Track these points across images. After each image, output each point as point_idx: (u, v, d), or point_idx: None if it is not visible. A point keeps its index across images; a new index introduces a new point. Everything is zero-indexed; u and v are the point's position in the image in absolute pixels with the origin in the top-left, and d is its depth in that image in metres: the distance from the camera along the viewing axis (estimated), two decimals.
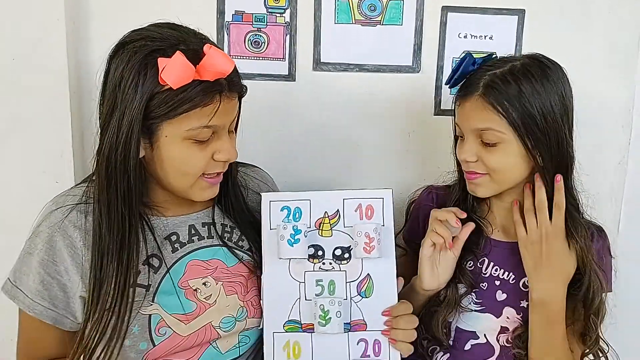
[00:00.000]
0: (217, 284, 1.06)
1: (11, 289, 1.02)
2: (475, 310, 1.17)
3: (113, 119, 0.94)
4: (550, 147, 1.06)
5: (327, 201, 1.07)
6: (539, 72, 1.06)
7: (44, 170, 1.34)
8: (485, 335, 1.18)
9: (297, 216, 1.06)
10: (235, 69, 0.97)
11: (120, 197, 0.96)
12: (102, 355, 0.97)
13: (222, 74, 0.93)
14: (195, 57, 0.91)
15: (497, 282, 1.16)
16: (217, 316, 1.04)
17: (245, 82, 1.06)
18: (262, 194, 1.08)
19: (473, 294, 1.16)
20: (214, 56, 0.92)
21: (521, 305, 1.15)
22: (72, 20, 1.33)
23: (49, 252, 0.99)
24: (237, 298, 1.07)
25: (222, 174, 1.04)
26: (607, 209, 1.56)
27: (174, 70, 0.89)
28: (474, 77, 1.10)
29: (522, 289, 1.16)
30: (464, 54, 1.15)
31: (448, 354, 1.20)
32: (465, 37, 1.46)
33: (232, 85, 0.97)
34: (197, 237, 1.08)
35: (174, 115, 0.92)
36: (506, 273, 1.17)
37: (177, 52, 0.90)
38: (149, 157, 0.98)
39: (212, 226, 1.10)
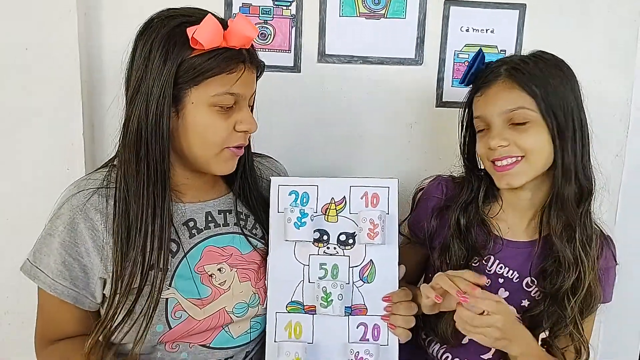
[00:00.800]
0: (231, 270, 1.08)
1: (31, 269, 1.05)
2: None
3: (142, 87, 0.97)
4: (570, 136, 1.08)
5: (334, 187, 1.10)
6: (553, 61, 1.12)
7: (55, 158, 1.36)
8: None
9: (304, 201, 1.09)
10: (253, 46, 1.03)
11: (152, 168, 0.99)
12: (129, 335, 1.00)
13: (248, 39, 0.98)
14: (222, 23, 0.97)
15: (501, 280, 1.17)
16: (230, 302, 1.07)
17: None
18: (272, 178, 1.12)
19: None
20: (240, 22, 0.97)
21: (522, 304, 1.17)
22: (84, 11, 1.35)
23: (71, 234, 1.01)
24: (250, 285, 1.10)
25: (242, 147, 1.07)
26: (604, 201, 1.58)
27: (207, 31, 0.94)
28: (491, 68, 1.13)
29: (525, 288, 1.17)
30: (477, 51, 1.18)
31: (445, 347, 1.22)
32: (467, 30, 1.48)
33: (253, 58, 1.02)
34: (214, 224, 1.10)
35: (201, 80, 0.97)
36: (510, 271, 1.18)
37: (209, 14, 0.96)
38: (174, 127, 1.00)
39: (227, 213, 1.12)
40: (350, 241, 1.09)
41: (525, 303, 1.17)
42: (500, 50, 1.49)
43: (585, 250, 1.11)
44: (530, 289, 1.17)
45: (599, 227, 1.19)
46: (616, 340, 1.65)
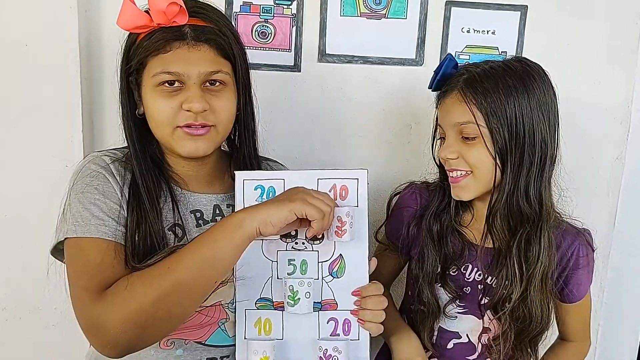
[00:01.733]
0: None
1: (78, 229, 0.97)
2: (459, 313, 1.19)
3: (119, 85, 1.06)
4: (516, 156, 1.05)
5: (301, 181, 1.04)
6: (520, 71, 1.07)
7: (54, 155, 1.36)
8: (467, 335, 1.20)
9: (270, 195, 1.04)
10: (204, 19, 1.02)
11: (142, 153, 1.04)
12: None
13: (162, 12, 0.97)
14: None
15: (480, 287, 1.17)
16: (227, 296, 1.07)
17: (251, 71, 1.10)
18: (236, 172, 1.06)
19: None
20: None
21: (502, 308, 1.16)
22: (85, 8, 1.35)
23: (103, 181, 1.00)
24: None
25: (204, 129, 1.02)
26: (604, 204, 1.59)
27: (123, 14, 0.98)
28: (455, 75, 1.12)
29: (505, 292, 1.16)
30: (446, 56, 1.16)
31: (431, 352, 1.22)
32: (468, 31, 1.48)
33: (197, 34, 1.00)
34: (221, 217, 1.09)
35: (145, 64, 1.00)
36: (489, 277, 1.17)
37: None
38: (145, 112, 1.04)
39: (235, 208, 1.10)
40: (319, 236, 1.05)
41: (506, 306, 1.15)
42: (502, 52, 1.49)
43: (521, 271, 1.10)
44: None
45: (570, 225, 1.18)
46: (614, 342, 1.65)
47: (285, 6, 1.43)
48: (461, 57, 1.48)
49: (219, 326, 1.08)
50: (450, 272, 1.18)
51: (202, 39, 1.00)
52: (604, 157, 1.57)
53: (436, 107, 1.19)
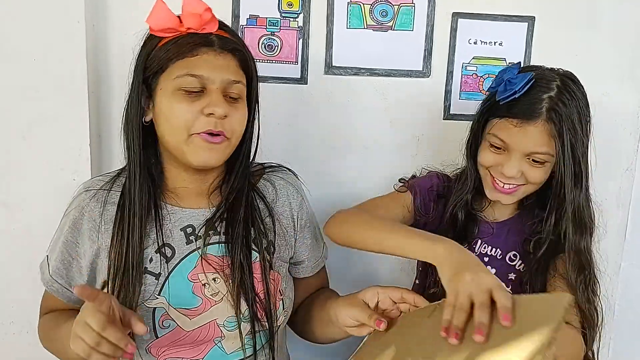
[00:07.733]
0: (227, 281, 1.05)
1: (42, 264, 1.11)
2: None
3: (130, 90, 1.05)
4: (575, 158, 1.10)
5: None
6: (577, 90, 1.12)
7: (63, 167, 1.37)
8: None
9: None
10: (228, 31, 1.06)
11: (142, 162, 1.05)
12: None
13: (199, 17, 0.99)
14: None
15: (486, 259, 1.21)
16: (222, 314, 1.04)
17: (258, 84, 1.11)
18: None
19: None
20: (189, 1, 1.00)
21: (509, 277, 1.20)
22: (92, 22, 1.36)
23: (73, 234, 1.06)
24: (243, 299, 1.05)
25: (221, 137, 1.02)
26: (614, 216, 1.57)
27: (156, 15, 1.00)
28: (531, 99, 1.09)
29: (509, 262, 1.21)
30: (530, 76, 1.10)
31: None
32: (475, 43, 1.48)
33: (224, 42, 1.03)
34: (213, 231, 1.07)
35: (167, 67, 1.00)
36: (493, 249, 1.22)
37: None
38: (154, 119, 1.04)
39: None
40: None
41: (513, 276, 1.21)
42: (509, 63, 1.48)
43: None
44: (514, 263, 1.21)
45: None
46: (626, 357, 1.63)
47: (291, 19, 1.44)
48: (468, 68, 1.48)
49: (215, 344, 1.06)
50: None
51: (228, 48, 1.03)
52: (614, 169, 1.55)
53: (485, 112, 1.17)
